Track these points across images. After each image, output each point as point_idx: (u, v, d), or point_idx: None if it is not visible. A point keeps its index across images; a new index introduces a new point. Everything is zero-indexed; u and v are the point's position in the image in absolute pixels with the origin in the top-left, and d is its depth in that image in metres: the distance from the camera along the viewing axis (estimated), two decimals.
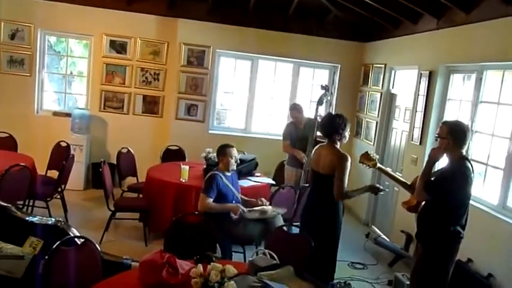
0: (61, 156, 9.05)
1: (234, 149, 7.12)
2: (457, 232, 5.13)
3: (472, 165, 5.14)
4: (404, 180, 5.87)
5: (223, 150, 7.05)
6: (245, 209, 6.77)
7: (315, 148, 6.47)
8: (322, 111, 9.16)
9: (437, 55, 8.20)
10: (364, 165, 5.69)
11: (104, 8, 10.78)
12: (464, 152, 5.19)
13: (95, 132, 11.27)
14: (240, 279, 3.96)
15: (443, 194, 5.05)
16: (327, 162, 6.07)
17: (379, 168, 5.80)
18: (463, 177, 5.04)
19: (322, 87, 9.14)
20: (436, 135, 5.32)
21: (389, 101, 10.15)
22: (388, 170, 6.15)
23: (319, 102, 9.00)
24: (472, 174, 5.10)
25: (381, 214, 10.12)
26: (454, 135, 5.11)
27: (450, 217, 5.12)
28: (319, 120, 9.05)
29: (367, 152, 5.69)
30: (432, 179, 5.25)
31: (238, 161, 7.36)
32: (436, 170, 5.54)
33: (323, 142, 9.08)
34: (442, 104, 8.14)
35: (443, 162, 5.36)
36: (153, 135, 11.35)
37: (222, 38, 11.06)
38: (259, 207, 6.89)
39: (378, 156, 5.68)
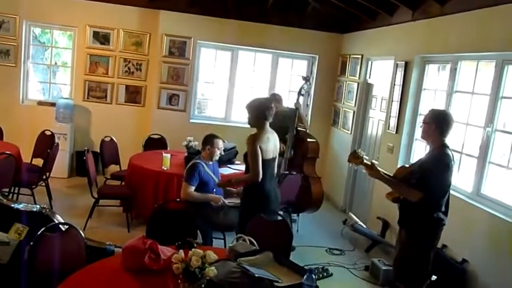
0: (46, 145, 8.98)
1: (221, 140, 7.06)
2: (440, 219, 5.07)
3: (452, 154, 5.08)
4: (389, 173, 5.68)
5: (211, 140, 6.97)
6: (226, 201, 6.73)
7: (266, 135, 6.17)
8: (302, 101, 9.12)
9: (413, 46, 8.14)
10: (352, 163, 5.50)
11: (88, 0, 10.62)
12: (446, 140, 5.12)
13: (79, 121, 11.15)
14: (221, 265, 3.93)
15: (427, 183, 4.98)
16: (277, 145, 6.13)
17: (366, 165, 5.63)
18: (443, 165, 4.97)
19: (304, 78, 9.09)
20: (423, 121, 5.24)
21: (366, 90, 10.09)
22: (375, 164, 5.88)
23: (300, 93, 8.95)
24: (453, 162, 5.04)
25: (357, 201, 10.08)
26: (437, 122, 5.06)
27: (432, 204, 5.03)
28: (301, 110, 9.05)
29: (355, 150, 5.54)
30: (413, 169, 5.22)
31: (223, 153, 7.30)
32: (417, 160, 5.49)
33: (304, 131, 9.06)
34: (417, 93, 8.08)
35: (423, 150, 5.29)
36: (136, 124, 11.23)
37: (203, 29, 10.96)
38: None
39: (364, 153, 5.52)
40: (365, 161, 5.24)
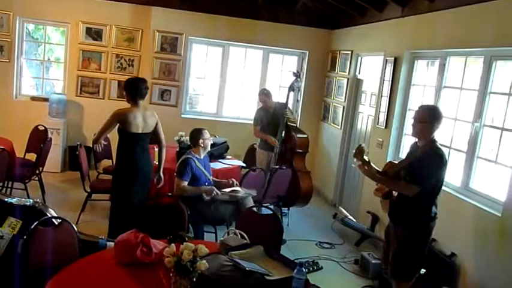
0: (39, 140, 8.88)
1: (206, 131, 7.07)
2: (435, 213, 5.09)
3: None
4: (378, 169, 5.56)
5: (201, 133, 6.98)
6: (218, 192, 6.70)
7: (133, 113, 6.52)
8: (292, 96, 9.13)
9: (402, 42, 8.12)
10: (356, 160, 5.32)
11: None
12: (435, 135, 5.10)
13: (72, 117, 11.09)
14: (212, 258, 3.92)
15: (427, 178, 4.94)
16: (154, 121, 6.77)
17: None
18: (440, 160, 4.95)
19: (295, 74, 9.08)
20: (418, 120, 5.13)
21: (355, 86, 10.07)
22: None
23: (291, 89, 8.95)
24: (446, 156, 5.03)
25: (347, 195, 10.07)
26: (436, 120, 5.04)
27: (429, 199, 5.04)
28: (290, 106, 9.05)
29: (360, 144, 5.31)
30: (405, 165, 5.18)
31: (212, 141, 7.31)
32: (406, 156, 5.44)
33: (294, 126, 9.05)
34: (406, 89, 8.05)
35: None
36: None
37: (194, 25, 10.91)
38: (230, 189, 6.84)
39: (368, 153, 5.32)
40: (364, 156, 5.16)
